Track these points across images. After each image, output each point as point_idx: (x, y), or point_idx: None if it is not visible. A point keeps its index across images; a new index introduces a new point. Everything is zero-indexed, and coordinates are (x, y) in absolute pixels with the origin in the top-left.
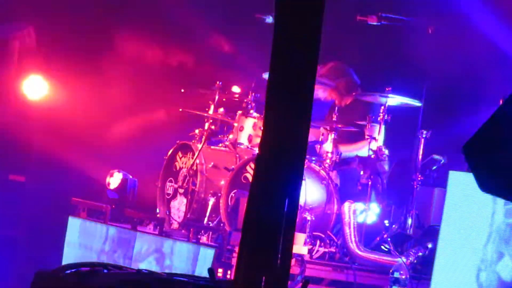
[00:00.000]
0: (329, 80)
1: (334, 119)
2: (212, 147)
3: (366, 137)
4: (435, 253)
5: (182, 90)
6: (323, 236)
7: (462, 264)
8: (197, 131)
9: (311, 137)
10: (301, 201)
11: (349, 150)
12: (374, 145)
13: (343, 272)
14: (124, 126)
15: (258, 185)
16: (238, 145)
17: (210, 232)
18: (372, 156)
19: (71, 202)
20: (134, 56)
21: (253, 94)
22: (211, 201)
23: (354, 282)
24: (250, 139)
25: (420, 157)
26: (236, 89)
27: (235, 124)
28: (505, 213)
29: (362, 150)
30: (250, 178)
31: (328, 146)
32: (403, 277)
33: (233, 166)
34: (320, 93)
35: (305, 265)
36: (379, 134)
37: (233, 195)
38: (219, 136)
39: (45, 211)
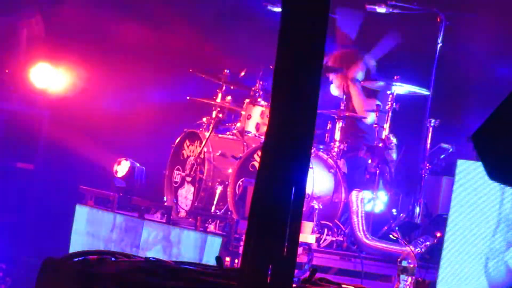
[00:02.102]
0: (338, 65)
1: (342, 107)
2: (220, 135)
3: (375, 125)
4: (443, 242)
5: (190, 70)
6: (330, 224)
7: (470, 253)
8: (204, 119)
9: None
10: (309, 190)
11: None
12: (382, 134)
13: (350, 261)
14: (131, 114)
15: (264, 173)
16: (246, 134)
17: (218, 221)
18: (380, 145)
19: (78, 190)
20: (142, 44)
21: (260, 82)
22: (219, 190)
23: (361, 271)
24: (257, 127)
25: (428, 145)
26: (243, 78)
27: (243, 113)
28: None
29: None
30: (257, 166)
31: (336, 134)
32: (411, 266)
33: (240, 155)
34: (333, 77)
35: (313, 254)
36: (386, 122)
37: (240, 183)
38: (227, 124)
39: (53, 199)
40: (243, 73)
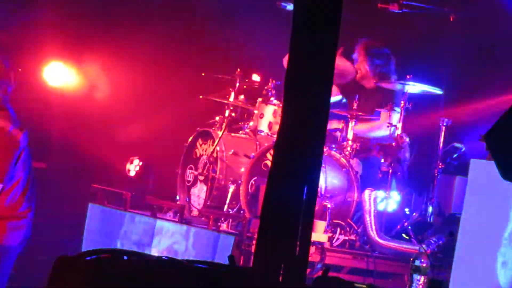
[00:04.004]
0: (360, 57)
1: (355, 106)
2: (233, 134)
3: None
4: (456, 241)
5: (203, 74)
6: (343, 224)
7: (483, 252)
8: (217, 118)
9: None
10: (322, 189)
11: (363, 131)
12: (395, 133)
13: (363, 260)
14: (144, 113)
15: (277, 172)
16: (258, 132)
17: (230, 219)
18: (393, 144)
19: (91, 189)
20: (155, 43)
21: (273, 81)
22: (231, 188)
23: (374, 270)
24: (270, 126)
25: (441, 145)
26: (256, 77)
27: (256, 111)
28: None
29: (377, 131)
30: (270, 165)
31: (349, 134)
32: (424, 265)
33: (253, 154)
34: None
35: (325, 253)
36: (399, 122)
37: (253, 182)
38: (240, 123)
39: (66, 198)
40: (255, 76)
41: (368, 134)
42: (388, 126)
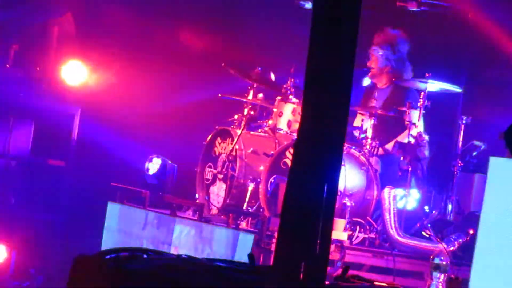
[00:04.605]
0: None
1: (373, 104)
2: (252, 132)
3: (406, 123)
4: (476, 239)
5: (223, 64)
6: (363, 222)
7: (503, 250)
8: (236, 116)
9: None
10: (341, 187)
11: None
12: (414, 131)
13: (383, 258)
14: (163, 111)
15: (297, 170)
16: (278, 131)
17: (250, 218)
18: (412, 142)
19: (110, 188)
20: (173, 41)
21: (292, 79)
22: (251, 187)
23: (394, 268)
24: (289, 124)
25: (460, 143)
26: (272, 76)
27: (275, 110)
28: None
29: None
30: (289, 163)
31: (368, 132)
32: (444, 263)
33: (272, 152)
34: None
35: (345, 251)
36: (419, 120)
37: (272, 180)
38: (258, 121)
39: (85, 196)
40: (272, 76)
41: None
42: (407, 126)
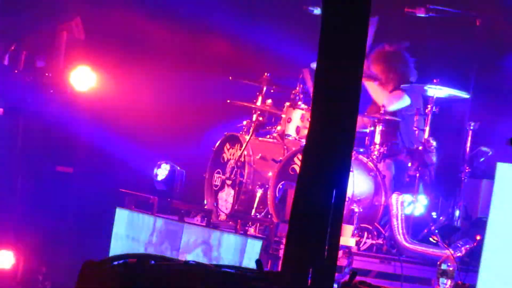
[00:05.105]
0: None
1: (382, 111)
2: (260, 138)
3: (414, 128)
4: (483, 245)
5: (230, 78)
6: (370, 228)
7: (510, 256)
8: (245, 122)
9: (359, 128)
10: (349, 193)
11: (388, 102)
12: (422, 137)
13: (390, 264)
14: (171, 117)
15: (305, 176)
16: (286, 137)
17: (258, 224)
18: (420, 148)
19: (118, 194)
20: (182, 46)
21: (301, 85)
22: (259, 193)
23: (401, 274)
24: (298, 130)
25: (468, 149)
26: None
27: (283, 116)
28: None
29: (395, 103)
30: (298, 169)
31: (376, 138)
32: (451, 269)
33: (280, 158)
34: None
35: (353, 257)
36: (426, 125)
37: (280, 186)
38: (267, 127)
39: (93, 202)
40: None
41: (395, 106)
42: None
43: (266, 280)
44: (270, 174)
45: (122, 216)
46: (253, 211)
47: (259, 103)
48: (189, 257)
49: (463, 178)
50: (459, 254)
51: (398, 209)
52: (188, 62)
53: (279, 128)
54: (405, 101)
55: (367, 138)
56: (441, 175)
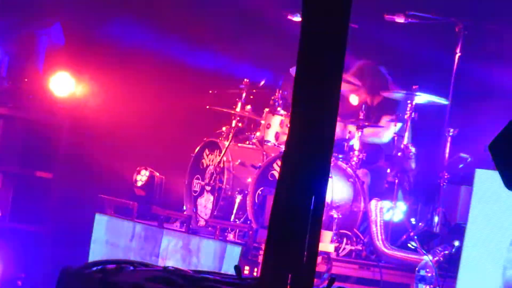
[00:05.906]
0: (357, 79)
1: (361, 117)
2: (239, 144)
3: (393, 135)
4: (461, 251)
5: (210, 91)
6: (349, 234)
7: (488, 262)
8: (224, 128)
9: (338, 134)
10: (328, 199)
11: (368, 135)
12: (400, 142)
13: (369, 270)
14: (151, 123)
15: (284, 182)
16: (265, 143)
17: (237, 230)
18: (399, 154)
19: (98, 199)
20: (161, 54)
21: (280, 91)
22: (238, 199)
23: (380, 280)
24: (277, 136)
25: (447, 155)
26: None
27: (262, 122)
28: None
29: (378, 137)
30: (277, 175)
31: (355, 144)
32: (429, 275)
33: (260, 164)
34: (351, 94)
35: (332, 263)
36: (405, 132)
37: (260, 192)
38: (246, 133)
39: (72, 208)
40: (262, 82)
41: (369, 139)
42: (390, 133)
43: (244, 286)
44: (249, 180)
45: (101, 221)
46: (233, 217)
47: (238, 109)
48: (169, 263)
49: (442, 184)
50: (437, 260)
51: (377, 215)
52: (167, 67)
53: (258, 134)
54: (383, 138)
55: (346, 144)
56: (420, 181)
